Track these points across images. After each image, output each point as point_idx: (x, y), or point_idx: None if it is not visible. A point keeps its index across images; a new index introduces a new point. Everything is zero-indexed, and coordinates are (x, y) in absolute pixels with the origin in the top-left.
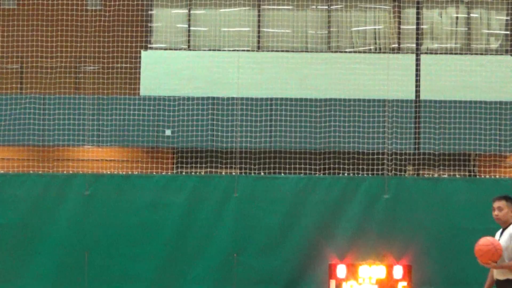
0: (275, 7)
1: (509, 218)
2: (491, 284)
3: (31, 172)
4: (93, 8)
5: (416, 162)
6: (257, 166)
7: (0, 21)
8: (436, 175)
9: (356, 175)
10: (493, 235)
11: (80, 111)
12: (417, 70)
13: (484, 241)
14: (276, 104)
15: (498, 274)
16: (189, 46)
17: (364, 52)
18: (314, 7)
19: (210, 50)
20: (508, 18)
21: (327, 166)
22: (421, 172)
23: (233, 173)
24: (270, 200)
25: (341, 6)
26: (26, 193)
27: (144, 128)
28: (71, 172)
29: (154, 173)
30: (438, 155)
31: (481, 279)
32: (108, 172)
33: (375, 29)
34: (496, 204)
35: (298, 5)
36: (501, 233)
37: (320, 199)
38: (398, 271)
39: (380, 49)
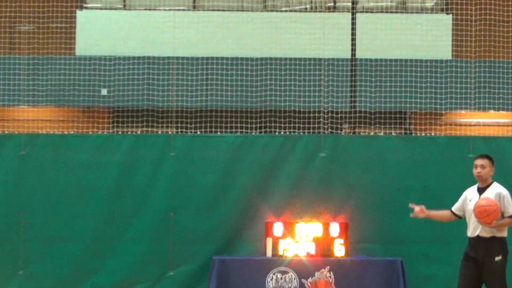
0: None
1: (489, 177)
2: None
3: None
4: None
5: (352, 120)
6: (193, 125)
7: None
8: (372, 133)
9: (292, 133)
10: (428, 193)
11: (16, 71)
12: (353, 29)
13: (489, 202)
14: (212, 63)
15: (483, 232)
16: (124, 6)
17: (300, 11)
18: None
19: (145, 9)
20: None
21: (263, 125)
22: (357, 130)
23: (170, 132)
24: (207, 159)
25: None
26: None
27: (80, 87)
28: (6, 132)
29: (90, 132)
30: (374, 113)
31: (415, 237)
32: (44, 132)
33: None
34: (480, 162)
35: None
36: (480, 192)
37: (256, 158)
38: (334, 228)
39: (316, 8)
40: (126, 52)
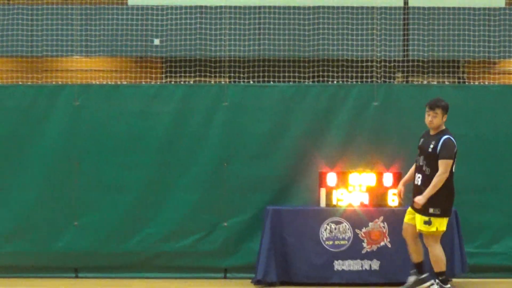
0: None
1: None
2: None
3: (19, 83)
4: None
5: (405, 69)
6: (246, 75)
7: None
8: (425, 82)
9: (345, 82)
10: (480, 141)
11: (68, 21)
12: None
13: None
14: (264, 12)
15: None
16: None
17: None
18: None
19: None
20: None
21: (316, 74)
22: (410, 79)
23: (222, 82)
24: (260, 108)
25: None
26: (15, 104)
27: (133, 37)
28: (60, 82)
29: (143, 82)
30: (427, 61)
31: (469, 186)
32: (97, 82)
33: None
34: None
35: None
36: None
37: (309, 107)
38: (388, 178)
39: None
40: (178, 1)
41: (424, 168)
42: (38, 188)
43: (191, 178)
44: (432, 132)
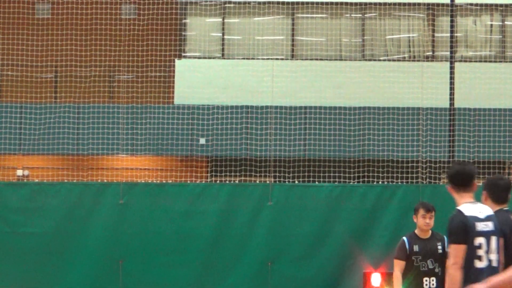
0: (309, 15)
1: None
2: None
3: (65, 181)
4: (127, 17)
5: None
6: (291, 175)
7: (34, 30)
8: None
9: (390, 183)
10: None
11: (114, 120)
12: (451, 78)
13: None
14: (310, 112)
15: None
16: (223, 55)
17: (398, 60)
18: (348, 15)
19: (244, 58)
20: None
21: (361, 175)
22: None
23: (267, 182)
24: (304, 208)
25: (375, 14)
26: (61, 202)
27: (178, 136)
28: (105, 181)
29: (189, 181)
30: (472, 163)
31: None
32: (143, 181)
33: (409, 37)
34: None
35: (332, 14)
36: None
37: (354, 207)
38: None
39: (414, 57)
40: (224, 101)
41: (436, 270)
42: (82, 286)
43: (236, 278)
44: (427, 235)
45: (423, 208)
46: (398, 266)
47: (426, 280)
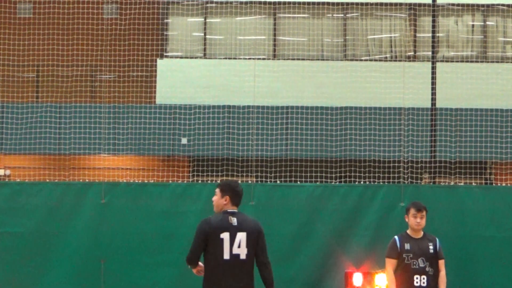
0: (291, 15)
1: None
2: None
3: (47, 180)
4: (109, 16)
5: (432, 170)
6: (273, 174)
7: (16, 30)
8: (452, 183)
9: (372, 183)
10: (508, 244)
11: (96, 120)
12: (433, 78)
13: None
14: (292, 112)
15: None
16: (205, 55)
17: (380, 60)
18: (330, 15)
19: (226, 58)
20: None
21: (343, 174)
22: (437, 180)
23: (249, 181)
24: (286, 208)
25: (356, 14)
26: (42, 202)
27: (160, 136)
28: (87, 180)
29: (170, 181)
30: (454, 163)
31: (497, 287)
32: (124, 181)
33: (391, 37)
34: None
35: (314, 13)
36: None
37: (336, 207)
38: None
39: (396, 57)
40: (206, 101)
41: (427, 269)
42: (64, 286)
43: None
44: (419, 234)
45: (414, 207)
46: (390, 264)
47: (417, 278)
